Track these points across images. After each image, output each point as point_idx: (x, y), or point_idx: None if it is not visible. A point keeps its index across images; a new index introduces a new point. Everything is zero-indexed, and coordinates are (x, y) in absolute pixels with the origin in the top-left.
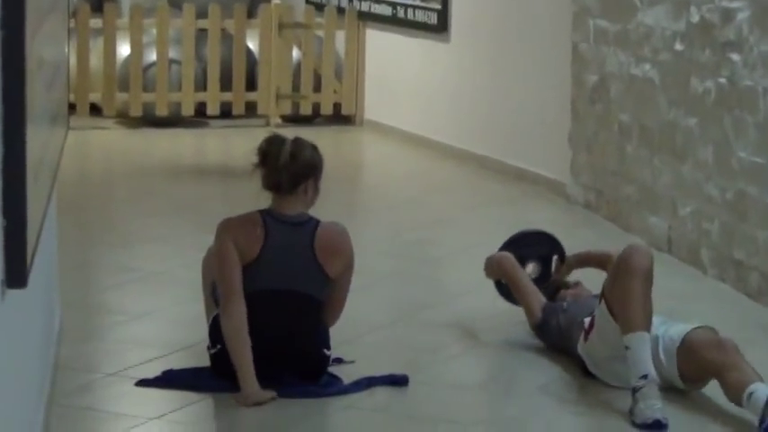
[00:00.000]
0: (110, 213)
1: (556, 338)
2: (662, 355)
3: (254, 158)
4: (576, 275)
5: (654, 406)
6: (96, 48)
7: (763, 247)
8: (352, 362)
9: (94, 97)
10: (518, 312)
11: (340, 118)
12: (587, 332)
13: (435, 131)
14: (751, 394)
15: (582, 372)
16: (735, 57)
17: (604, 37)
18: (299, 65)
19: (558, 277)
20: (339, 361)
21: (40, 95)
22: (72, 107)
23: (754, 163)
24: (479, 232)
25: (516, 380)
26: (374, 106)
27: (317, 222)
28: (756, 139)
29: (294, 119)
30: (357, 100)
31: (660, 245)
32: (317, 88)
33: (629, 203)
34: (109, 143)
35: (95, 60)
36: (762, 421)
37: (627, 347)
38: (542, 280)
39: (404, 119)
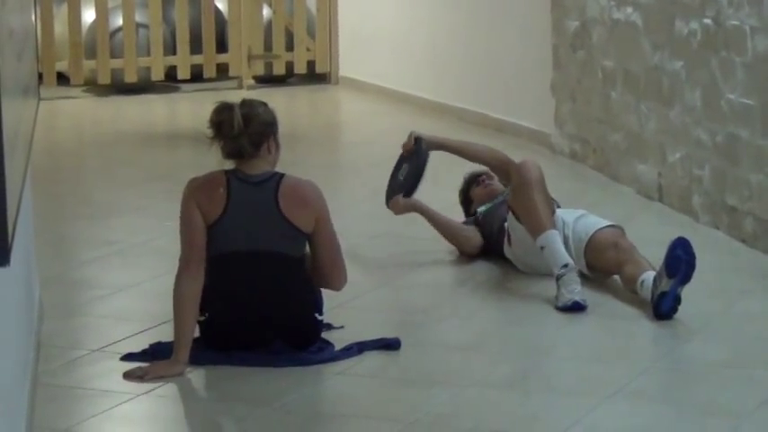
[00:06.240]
0: (83, 185)
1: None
2: (572, 252)
3: (208, 132)
4: None
5: (574, 290)
6: (60, 14)
7: (757, 191)
8: (342, 327)
9: (61, 66)
10: (510, 269)
11: (314, 76)
12: (509, 236)
13: (413, 86)
14: (642, 282)
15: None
16: None
17: None
18: (269, 23)
19: (426, 147)
20: (328, 327)
21: (11, 66)
22: (39, 77)
23: (744, 104)
24: None
25: (510, 337)
26: (349, 63)
27: (281, 176)
28: (745, 80)
29: (267, 79)
30: (331, 57)
31: (650, 193)
32: (290, 47)
33: (617, 152)
34: (78, 113)
35: (60, 27)
36: (652, 299)
37: (542, 247)
38: (417, 171)
39: (380, 74)
